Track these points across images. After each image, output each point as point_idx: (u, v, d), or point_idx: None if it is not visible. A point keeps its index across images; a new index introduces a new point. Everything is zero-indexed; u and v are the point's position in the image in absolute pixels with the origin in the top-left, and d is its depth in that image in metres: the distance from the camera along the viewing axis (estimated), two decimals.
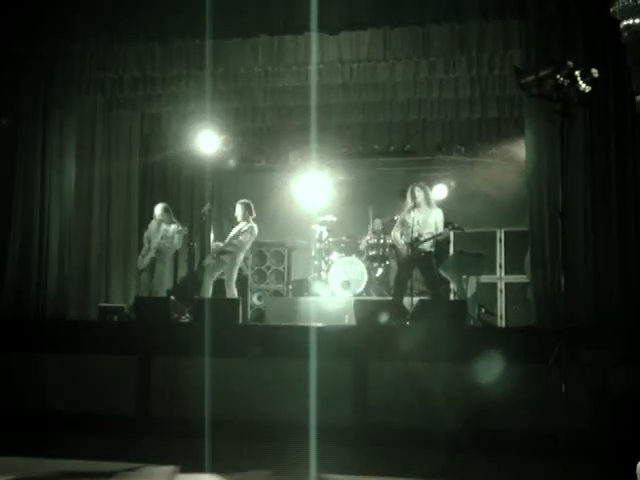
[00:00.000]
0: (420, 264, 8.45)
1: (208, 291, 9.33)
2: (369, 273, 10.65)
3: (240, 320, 7.70)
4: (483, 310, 9.57)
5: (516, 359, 5.93)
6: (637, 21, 3.11)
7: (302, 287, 11.50)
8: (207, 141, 11.40)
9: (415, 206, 8.42)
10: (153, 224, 9.85)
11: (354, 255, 10.92)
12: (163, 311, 7.70)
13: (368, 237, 11.10)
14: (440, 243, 9.17)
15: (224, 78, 9.72)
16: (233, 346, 6.66)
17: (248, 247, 9.75)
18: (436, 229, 8.39)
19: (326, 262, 11.09)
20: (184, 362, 6.61)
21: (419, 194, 8.46)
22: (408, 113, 10.77)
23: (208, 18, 7.64)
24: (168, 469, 5.22)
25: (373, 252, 10.94)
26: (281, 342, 6.73)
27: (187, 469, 5.20)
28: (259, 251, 11.51)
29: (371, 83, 9.96)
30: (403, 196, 8.74)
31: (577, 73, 5.08)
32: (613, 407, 5.57)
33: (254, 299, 11.33)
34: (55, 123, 9.07)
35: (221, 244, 9.52)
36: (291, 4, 8.04)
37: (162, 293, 9.69)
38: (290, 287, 11.48)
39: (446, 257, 10.01)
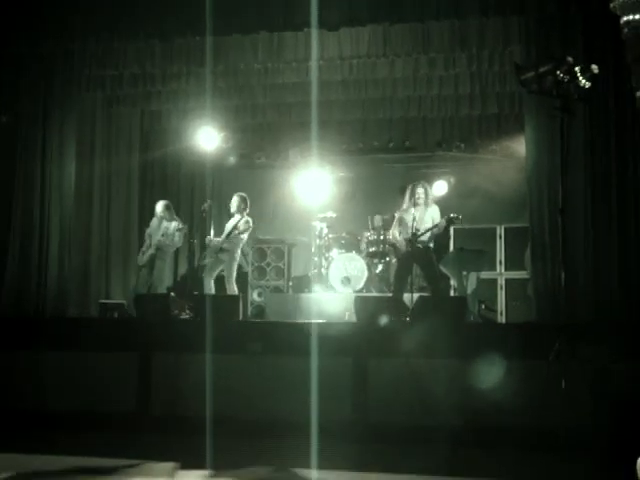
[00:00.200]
0: (420, 260, 8.45)
1: (210, 289, 9.33)
2: (369, 269, 10.65)
3: (240, 317, 7.72)
4: (483, 306, 9.58)
5: (516, 355, 5.93)
6: (637, 17, 3.10)
7: (302, 284, 11.50)
8: (207, 138, 11.39)
9: (414, 205, 8.41)
10: (154, 221, 9.85)
11: (354, 251, 10.92)
12: (163, 308, 7.71)
13: (368, 233, 11.10)
14: (440, 239, 9.16)
15: (224, 75, 9.73)
16: (233, 343, 6.67)
17: (245, 241, 9.72)
18: (433, 224, 8.39)
19: (326, 258, 11.09)
20: (184, 359, 6.61)
21: (420, 193, 8.45)
22: (408, 109, 10.78)
23: (208, 15, 7.64)
24: (168, 466, 5.22)
25: (373, 248, 10.93)
26: (281, 339, 6.73)
27: (187, 466, 5.20)
28: (259, 248, 11.52)
29: (371, 79, 9.96)
30: (403, 193, 8.73)
31: (577, 69, 5.08)
32: (613, 403, 5.57)
33: (254, 296, 11.34)
34: (55, 122, 9.06)
35: (216, 239, 9.46)
36: (291, 1, 8.05)
37: (161, 290, 9.68)
38: (290, 284, 11.49)
39: (446, 253, 10.02)
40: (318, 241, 11.32)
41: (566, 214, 5.73)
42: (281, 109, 11.06)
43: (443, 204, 9.02)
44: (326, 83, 9.80)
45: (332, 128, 11.50)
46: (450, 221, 8.37)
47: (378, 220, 11.30)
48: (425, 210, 8.43)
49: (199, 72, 9.46)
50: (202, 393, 6.13)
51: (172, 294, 9.38)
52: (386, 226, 10.61)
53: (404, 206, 8.59)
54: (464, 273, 9.55)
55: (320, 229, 11.32)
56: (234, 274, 9.43)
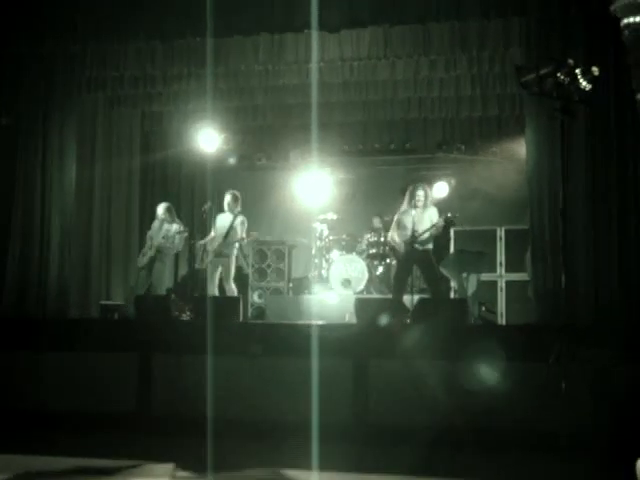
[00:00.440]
0: (420, 263, 8.45)
1: (214, 291, 9.31)
2: (370, 271, 10.66)
3: (240, 318, 7.72)
4: (483, 308, 9.57)
5: (517, 357, 5.93)
6: (637, 19, 3.10)
7: (303, 285, 11.51)
8: (208, 139, 11.41)
9: (414, 207, 8.40)
10: (156, 223, 9.85)
11: (355, 253, 10.92)
12: (164, 309, 7.71)
13: (369, 235, 11.11)
14: (439, 240, 9.16)
15: (225, 76, 9.73)
16: (233, 344, 6.66)
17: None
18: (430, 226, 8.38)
19: (327, 260, 11.09)
20: (184, 360, 6.61)
21: (420, 195, 8.44)
22: (409, 111, 10.79)
23: (208, 16, 7.65)
24: (168, 467, 5.22)
25: (374, 250, 10.94)
26: (281, 340, 6.73)
27: (187, 467, 5.21)
28: (260, 249, 11.51)
29: (372, 81, 9.97)
30: (403, 194, 8.73)
31: (578, 71, 5.08)
32: (613, 404, 5.57)
33: (254, 297, 11.34)
34: (55, 123, 9.06)
35: (212, 242, 9.40)
36: (291, 2, 8.05)
37: (161, 292, 9.68)
38: (291, 285, 11.49)
39: (446, 255, 10.02)
40: (318, 243, 11.33)
41: (566, 216, 5.74)
42: (282, 111, 11.07)
43: (444, 206, 9.02)
44: (327, 85, 9.81)
45: (333, 130, 11.52)
46: (447, 221, 8.37)
47: (377, 222, 11.31)
48: (423, 212, 8.42)
49: (200, 73, 9.47)
50: (202, 394, 6.13)
51: (173, 295, 9.38)
52: (386, 228, 10.61)
53: (403, 208, 8.58)
54: (464, 275, 9.54)
55: (320, 231, 11.33)
56: (232, 274, 9.41)
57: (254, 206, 11.71)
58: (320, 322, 7.80)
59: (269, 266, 11.45)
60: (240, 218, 9.35)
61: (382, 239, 10.79)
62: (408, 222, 8.38)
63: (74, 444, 5.86)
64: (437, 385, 5.98)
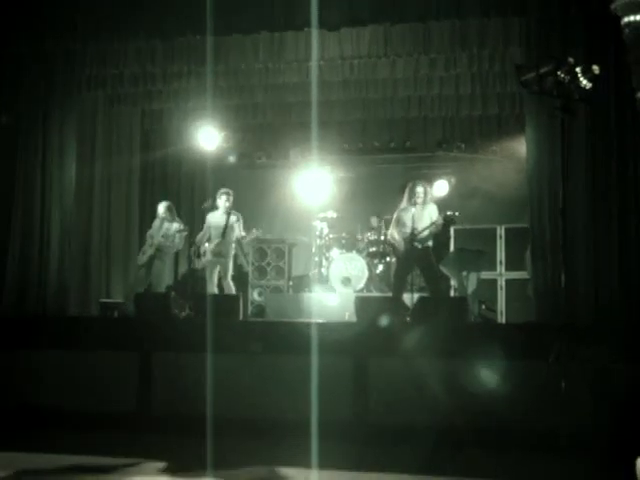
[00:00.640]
0: (420, 261, 8.44)
1: (213, 290, 9.30)
2: (369, 269, 10.66)
3: (240, 316, 7.71)
4: (483, 306, 9.58)
5: (516, 355, 5.93)
6: (638, 18, 3.10)
7: (302, 283, 11.52)
8: (208, 137, 11.42)
9: (413, 204, 8.40)
10: (156, 222, 9.85)
11: (355, 251, 10.93)
12: (164, 307, 7.71)
13: (369, 233, 11.11)
14: (439, 238, 9.16)
15: (225, 74, 9.73)
16: (233, 342, 6.67)
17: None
18: (430, 223, 8.39)
19: (327, 258, 11.10)
20: (184, 358, 6.61)
21: (420, 192, 8.44)
22: (409, 110, 10.79)
23: (208, 14, 7.64)
24: (168, 465, 5.22)
25: (373, 248, 10.94)
26: (281, 339, 6.73)
27: (187, 465, 5.21)
28: (260, 247, 11.52)
29: (372, 79, 9.96)
30: (403, 192, 8.73)
31: (578, 70, 5.07)
32: (613, 403, 5.58)
33: (254, 295, 11.35)
34: (55, 122, 9.04)
35: (210, 243, 9.38)
36: (292, 1, 8.05)
37: (160, 290, 9.66)
38: (291, 283, 11.50)
39: (446, 253, 10.03)
40: (318, 241, 11.34)
41: (566, 215, 5.73)
42: (282, 109, 11.07)
43: (444, 204, 9.03)
44: (327, 83, 9.81)
45: (333, 128, 11.52)
46: (447, 219, 8.36)
47: (375, 221, 11.31)
48: (423, 209, 8.42)
49: (200, 72, 9.46)
50: (202, 392, 6.13)
51: (172, 293, 9.38)
52: (385, 226, 10.63)
53: (402, 205, 8.59)
54: (464, 273, 9.55)
55: (320, 229, 11.33)
56: (230, 271, 9.41)
57: (254, 204, 11.74)
58: (320, 320, 7.80)
59: (269, 264, 11.47)
60: (234, 216, 9.33)
61: (382, 237, 10.79)
62: (408, 219, 8.39)
63: (74, 443, 5.86)
64: (437, 384, 5.98)
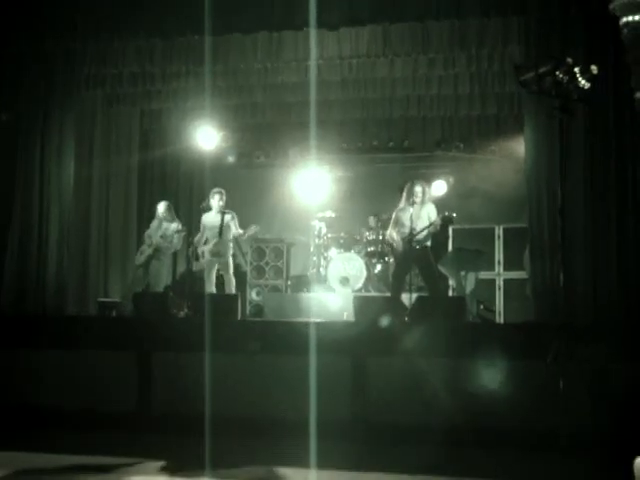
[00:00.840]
0: (418, 261, 8.45)
1: (211, 289, 9.30)
2: (368, 269, 10.66)
3: (239, 316, 7.71)
4: (482, 306, 9.59)
5: (515, 355, 5.93)
6: (637, 18, 3.11)
7: (301, 283, 11.52)
8: (206, 137, 11.43)
9: (412, 203, 8.41)
10: (154, 222, 9.85)
11: (353, 251, 10.92)
12: (162, 306, 7.71)
13: (367, 233, 11.11)
14: (438, 238, 9.17)
15: (224, 74, 9.73)
16: (232, 342, 6.66)
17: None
18: (429, 222, 8.39)
19: (325, 258, 11.10)
20: (183, 358, 6.61)
21: (418, 192, 8.45)
22: (407, 109, 10.79)
23: (207, 14, 7.65)
24: (168, 465, 5.22)
25: (372, 248, 10.94)
26: (280, 338, 6.73)
27: (186, 465, 5.21)
28: (258, 247, 11.53)
29: (370, 79, 9.97)
30: (401, 192, 8.74)
31: (576, 70, 5.07)
32: (612, 403, 5.58)
33: (253, 295, 11.35)
34: (55, 121, 9.03)
35: (207, 243, 9.37)
36: (291, 0, 8.04)
37: (158, 290, 9.65)
38: (289, 283, 11.50)
39: (445, 253, 10.03)
40: (317, 240, 11.34)
41: (565, 214, 5.72)
42: (280, 108, 11.06)
43: (442, 204, 9.02)
44: (325, 83, 9.81)
45: (331, 128, 11.52)
46: (445, 219, 8.37)
47: (372, 221, 11.31)
48: (421, 208, 8.43)
49: (199, 71, 9.45)
50: (201, 392, 6.13)
51: (170, 293, 9.37)
52: (383, 226, 10.63)
53: (401, 205, 8.60)
54: (462, 273, 9.56)
55: (319, 228, 11.34)
56: (231, 269, 9.40)
57: (253, 204, 11.76)
58: (318, 320, 7.80)
59: (267, 264, 11.47)
60: (228, 215, 9.33)
61: (380, 237, 10.79)
62: (406, 219, 8.39)
63: (73, 442, 5.86)
64: (435, 383, 5.98)
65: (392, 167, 12.66)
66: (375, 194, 12.04)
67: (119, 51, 9.09)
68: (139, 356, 6.72)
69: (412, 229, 8.28)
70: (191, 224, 11.38)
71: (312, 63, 9.03)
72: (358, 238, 11.23)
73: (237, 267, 10.09)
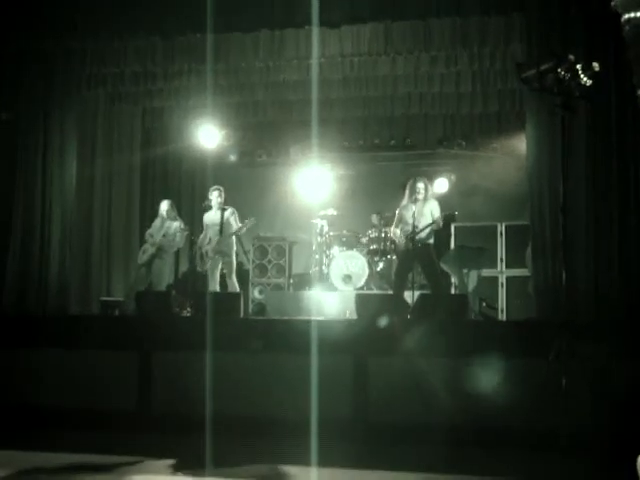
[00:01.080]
0: (420, 259, 8.46)
1: (215, 288, 9.30)
2: (370, 267, 10.65)
3: (241, 314, 7.72)
4: (484, 304, 9.58)
5: (516, 353, 5.93)
6: (638, 15, 3.09)
7: (303, 281, 11.52)
8: (208, 135, 11.44)
9: (414, 200, 8.42)
10: (157, 221, 9.86)
11: (355, 249, 10.92)
12: (164, 305, 7.71)
13: (369, 231, 11.11)
14: (440, 236, 9.17)
15: (225, 72, 9.73)
16: (234, 340, 6.66)
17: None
18: (432, 219, 8.39)
19: (327, 256, 11.09)
20: (185, 356, 6.61)
21: (420, 188, 8.46)
22: (409, 107, 10.79)
23: (209, 13, 7.65)
24: (168, 464, 5.22)
25: (374, 246, 10.93)
26: (282, 336, 6.73)
27: (187, 464, 5.21)
28: (260, 245, 11.54)
29: (372, 77, 9.97)
30: (404, 189, 8.75)
31: (578, 67, 5.06)
32: (613, 402, 5.57)
33: (255, 293, 11.36)
34: (55, 120, 9.05)
35: (210, 243, 9.37)
36: None
37: (160, 289, 9.67)
38: (291, 281, 11.51)
39: (447, 251, 10.02)
40: (319, 239, 11.33)
41: (567, 212, 5.72)
42: (282, 107, 11.07)
43: (444, 202, 9.03)
44: (327, 81, 9.81)
45: (333, 126, 11.53)
46: (447, 217, 8.38)
47: (375, 219, 11.30)
48: (424, 205, 8.45)
49: (200, 70, 9.46)
50: (202, 391, 6.13)
51: (173, 292, 9.38)
52: (386, 224, 10.63)
53: (404, 202, 8.61)
54: (465, 271, 9.55)
55: (321, 227, 11.33)
56: (234, 270, 9.41)
57: (255, 202, 11.75)
58: (320, 318, 7.81)
59: (270, 262, 11.48)
60: (228, 211, 9.34)
61: (382, 235, 10.79)
62: (409, 216, 8.40)
63: (74, 441, 5.86)
64: (437, 382, 5.98)
65: (394, 165, 12.66)
66: (377, 192, 12.03)
67: (120, 50, 9.10)
68: (140, 355, 6.72)
69: (415, 227, 8.28)
70: (193, 222, 11.40)
71: (314, 61, 9.03)
72: (360, 236, 11.22)
73: (240, 265, 10.09)
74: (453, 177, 11.82)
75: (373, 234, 10.99)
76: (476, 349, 6.01)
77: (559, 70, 5.10)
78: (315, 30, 8.28)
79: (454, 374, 6.00)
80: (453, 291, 9.86)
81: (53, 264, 8.87)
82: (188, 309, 8.75)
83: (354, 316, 7.56)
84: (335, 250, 11.02)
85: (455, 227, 10.33)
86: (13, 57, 8.84)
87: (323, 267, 11.07)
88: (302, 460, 5.12)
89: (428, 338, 6.26)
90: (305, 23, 8.12)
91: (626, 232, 7.24)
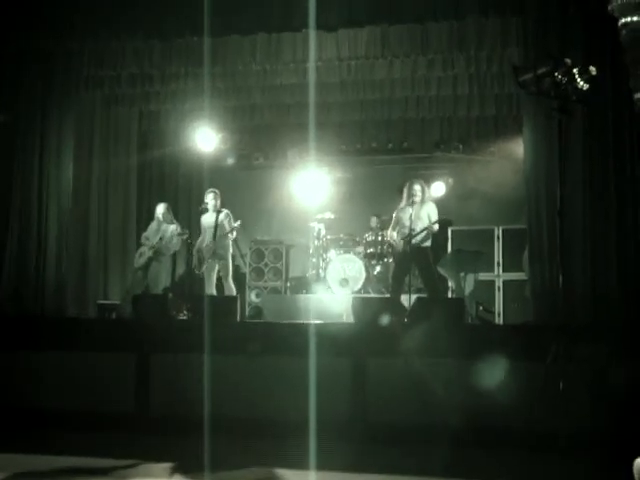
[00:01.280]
0: (417, 262, 8.46)
1: (212, 291, 9.30)
2: (367, 270, 10.65)
3: (238, 318, 7.71)
4: (481, 308, 9.57)
5: (514, 356, 5.93)
6: (635, 19, 3.11)
7: (300, 285, 11.52)
8: (205, 138, 11.42)
9: (411, 203, 8.42)
10: (153, 224, 9.85)
11: (352, 253, 10.92)
12: (162, 308, 7.70)
13: (366, 234, 11.10)
14: (437, 240, 9.17)
15: (222, 75, 9.73)
16: (231, 344, 6.66)
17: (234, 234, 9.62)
18: (429, 222, 8.40)
19: (324, 260, 11.09)
20: (182, 359, 6.60)
21: (417, 190, 8.47)
22: (406, 110, 10.80)
23: (206, 16, 7.65)
24: (167, 466, 5.22)
25: (371, 249, 10.93)
26: (279, 340, 6.72)
27: (186, 466, 5.20)
28: (257, 248, 11.54)
29: (369, 80, 9.97)
30: (401, 192, 8.75)
31: (575, 71, 5.08)
32: (611, 404, 5.58)
33: (252, 296, 11.35)
34: (53, 122, 9.03)
35: (206, 246, 9.37)
36: (289, 2, 8.05)
37: (157, 292, 9.65)
38: (288, 285, 11.51)
39: (444, 255, 10.03)
40: (316, 242, 11.33)
41: (564, 215, 5.72)
42: (279, 110, 11.07)
43: (441, 205, 9.03)
44: (324, 84, 9.82)
45: (330, 129, 11.52)
46: (443, 222, 8.39)
47: (374, 222, 11.31)
48: (421, 208, 8.46)
49: (197, 73, 9.46)
50: (200, 393, 6.13)
51: (170, 295, 9.36)
52: (383, 227, 10.64)
53: (401, 205, 8.62)
54: (462, 274, 9.56)
55: (318, 230, 11.33)
56: (230, 273, 9.41)
57: (252, 206, 11.75)
58: (317, 322, 7.79)
59: (266, 265, 11.48)
60: (223, 213, 9.33)
61: (380, 238, 10.79)
62: (406, 219, 8.42)
63: (73, 444, 5.85)
64: (434, 385, 5.98)
65: (391, 168, 12.65)
66: (374, 195, 12.04)
67: (118, 52, 9.10)
68: (139, 358, 6.72)
69: (411, 229, 8.29)
70: (190, 226, 11.37)
71: (311, 65, 9.04)
72: (357, 239, 11.22)
73: (236, 269, 10.08)
74: (450, 180, 11.83)
75: (370, 237, 10.99)
76: (473, 353, 6.01)
77: (556, 74, 5.11)
78: (312, 33, 8.28)
79: (451, 377, 6.01)
80: (450, 295, 9.86)
81: (50, 266, 8.85)
82: (185, 312, 8.73)
83: (351, 319, 7.55)
84: (332, 253, 11.02)
85: (452, 231, 10.34)
86: (12, 57, 8.83)
87: (320, 270, 11.07)
88: (300, 462, 5.11)
89: (425, 342, 6.26)
90: (302, 26, 8.12)
91: (624, 235, 7.25)
